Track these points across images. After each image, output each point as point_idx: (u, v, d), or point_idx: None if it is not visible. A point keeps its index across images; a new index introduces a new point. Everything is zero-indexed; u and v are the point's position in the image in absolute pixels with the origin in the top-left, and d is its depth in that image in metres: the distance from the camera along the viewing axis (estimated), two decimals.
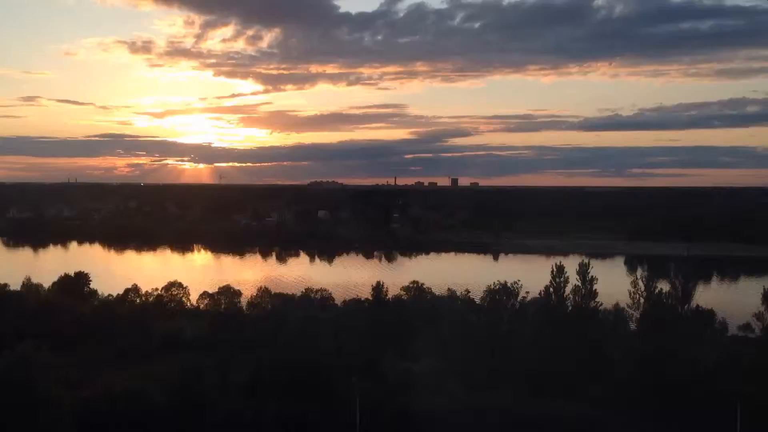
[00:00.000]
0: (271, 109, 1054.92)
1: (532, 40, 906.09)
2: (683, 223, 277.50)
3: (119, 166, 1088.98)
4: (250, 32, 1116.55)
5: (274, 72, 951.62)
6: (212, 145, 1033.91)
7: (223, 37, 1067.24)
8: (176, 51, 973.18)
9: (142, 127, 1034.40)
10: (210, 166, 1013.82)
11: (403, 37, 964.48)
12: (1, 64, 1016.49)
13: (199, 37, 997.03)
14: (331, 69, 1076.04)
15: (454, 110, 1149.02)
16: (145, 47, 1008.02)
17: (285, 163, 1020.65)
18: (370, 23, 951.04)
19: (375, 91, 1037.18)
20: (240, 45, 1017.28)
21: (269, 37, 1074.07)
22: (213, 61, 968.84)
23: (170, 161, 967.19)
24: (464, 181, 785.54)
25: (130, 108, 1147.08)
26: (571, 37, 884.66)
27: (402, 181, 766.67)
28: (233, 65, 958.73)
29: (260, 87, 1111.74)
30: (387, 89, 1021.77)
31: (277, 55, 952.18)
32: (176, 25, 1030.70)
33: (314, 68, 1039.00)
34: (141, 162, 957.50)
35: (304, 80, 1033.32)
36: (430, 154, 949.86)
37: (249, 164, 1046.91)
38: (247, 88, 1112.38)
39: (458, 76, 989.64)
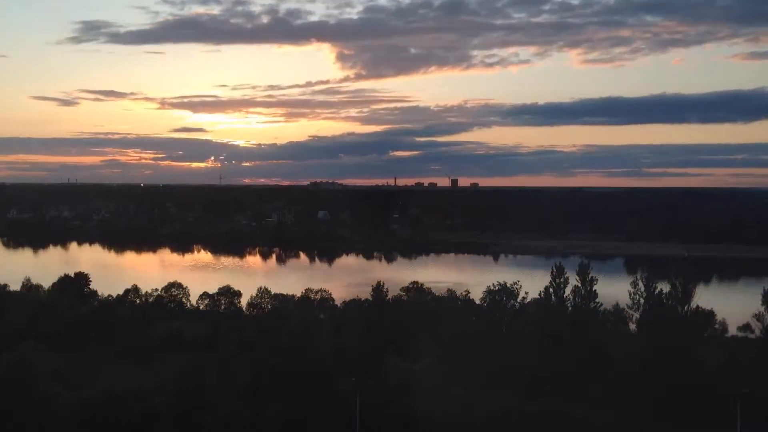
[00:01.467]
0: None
1: None
2: (683, 224, 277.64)
3: (119, 165, 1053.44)
4: None
5: None
6: (223, 143, 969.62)
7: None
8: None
9: (143, 124, 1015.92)
10: (216, 164, 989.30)
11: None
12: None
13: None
14: None
15: (454, 103, 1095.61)
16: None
17: (279, 161, 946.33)
18: None
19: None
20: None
21: None
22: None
23: (172, 160, 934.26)
24: (464, 182, 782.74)
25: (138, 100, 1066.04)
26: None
27: (402, 182, 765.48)
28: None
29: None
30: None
31: None
32: None
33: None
34: (141, 162, 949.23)
35: None
36: (423, 151, 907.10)
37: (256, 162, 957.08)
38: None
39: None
